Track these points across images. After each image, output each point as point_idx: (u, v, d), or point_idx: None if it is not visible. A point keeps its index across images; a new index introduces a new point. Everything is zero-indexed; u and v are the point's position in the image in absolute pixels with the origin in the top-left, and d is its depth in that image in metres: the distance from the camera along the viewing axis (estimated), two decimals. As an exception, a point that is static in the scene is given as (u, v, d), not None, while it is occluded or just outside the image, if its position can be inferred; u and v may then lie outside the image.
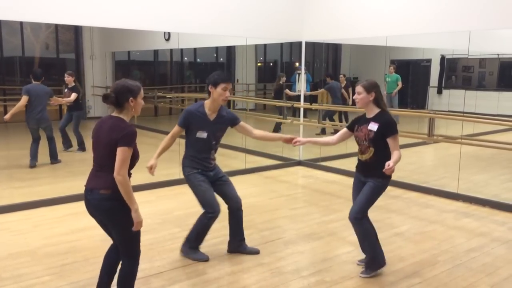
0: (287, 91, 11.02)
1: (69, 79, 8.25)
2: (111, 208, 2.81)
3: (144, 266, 3.85)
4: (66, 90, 8.29)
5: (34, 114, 7.06)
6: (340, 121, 10.54)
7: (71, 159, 7.97)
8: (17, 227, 4.77)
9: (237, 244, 4.11)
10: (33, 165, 7.19)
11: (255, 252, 4.13)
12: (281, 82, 11.24)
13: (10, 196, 5.71)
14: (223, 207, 4.02)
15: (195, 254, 3.98)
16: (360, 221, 3.64)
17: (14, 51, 12.84)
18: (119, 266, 3.05)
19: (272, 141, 4.21)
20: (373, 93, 3.55)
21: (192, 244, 3.99)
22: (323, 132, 10.33)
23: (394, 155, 3.44)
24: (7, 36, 12.53)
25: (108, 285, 3.09)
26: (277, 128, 9.90)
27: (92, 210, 2.89)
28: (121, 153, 2.72)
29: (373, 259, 3.71)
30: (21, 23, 11.89)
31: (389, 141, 3.50)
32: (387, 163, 3.32)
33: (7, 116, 6.83)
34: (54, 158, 7.53)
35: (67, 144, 8.47)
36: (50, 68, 13.44)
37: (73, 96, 8.06)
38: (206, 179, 3.89)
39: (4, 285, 3.49)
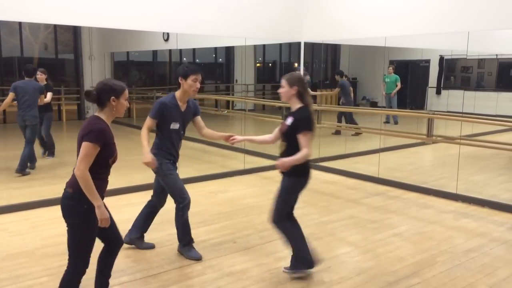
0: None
1: (41, 77, 7.58)
2: (68, 207, 2.77)
3: (142, 266, 3.85)
4: None
5: (21, 111, 6.87)
6: (340, 121, 10.54)
7: (69, 159, 7.95)
8: (15, 228, 4.76)
9: (139, 235, 4.20)
10: (33, 167, 7.17)
11: (150, 247, 4.22)
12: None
13: (8, 197, 5.69)
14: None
15: (189, 252, 4.01)
16: (279, 224, 3.64)
17: (13, 51, 12.82)
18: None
19: (216, 140, 4.30)
20: (295, 87, 3.50)
21: (184, 242, 4.03)
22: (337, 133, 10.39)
23: (299, 153, 3.37)
24: (6, 36, 12.52)
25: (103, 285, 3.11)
26: None
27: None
28: (83, 148, 2.66)
29: (298, 258, 3.65)
30: (20, 23, 11.87)
31: (299, 137, 3.40)
32: (281, 159, 3.31)
33: None
34: (21, 166, 6.83)
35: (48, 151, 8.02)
36: (49, 68, 13.41)
37: (49, 95, 7.52)
38: (176, 169, 3.99)
39: (3, 286, 3.48)
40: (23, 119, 6.92)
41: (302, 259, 3.63)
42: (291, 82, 3.52)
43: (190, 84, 3.83)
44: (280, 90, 3.58)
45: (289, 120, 3.50)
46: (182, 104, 3.92)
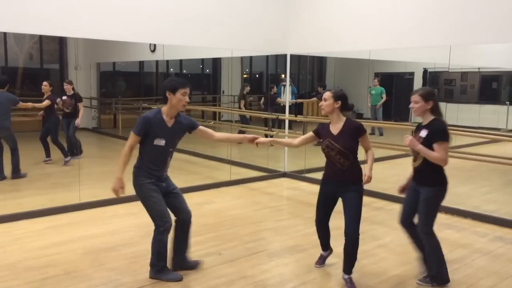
0: (278, 99, 11.25)
1: (67, 87, 8.51)
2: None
3: (126, 279, 3.81)
4: (65, 97, 8.43)
5: None
6: None
7: (53, 170, 7.87)
8: (-3, 240, 4.68)
9: (182, 258, 3.95)
10: None
11: (197, 264, 4.03)
12: (244, 92, 11.33)
13: (-10, 209, 5.60)
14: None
15: (166, 275, 3.80)
16: (430, 235, 3.68)
17: (-3, 61, 12.68)
18: None
19: (235, 142, 4.21)
20: (431, 102, 3.59)
21: (158, 267, 3.80)
22: None
23: (434, 153, 3.51)
24: (-10, 46, 12.38)
25: None
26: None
27: None
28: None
29: (438, 274, 3.73)
30: (4, 33, 11.77)
31: (434, 147, 3.51)
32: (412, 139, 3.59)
33: None
34: (15, 172, 7.12)
35: (77, 150, 8.70)
36: (34, 78, 13.30)
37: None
38: (158, 190, 3.73)
39: (-18, 300, 3.42)
40: None
41: (438, 276, 3.73)
42: (426, 97, 3.59)
43: (179, 99, 3.61)
44: (416, 105, 3.63)
45: (424, 132, 3.59)
46: (169, 119, 3.68)
